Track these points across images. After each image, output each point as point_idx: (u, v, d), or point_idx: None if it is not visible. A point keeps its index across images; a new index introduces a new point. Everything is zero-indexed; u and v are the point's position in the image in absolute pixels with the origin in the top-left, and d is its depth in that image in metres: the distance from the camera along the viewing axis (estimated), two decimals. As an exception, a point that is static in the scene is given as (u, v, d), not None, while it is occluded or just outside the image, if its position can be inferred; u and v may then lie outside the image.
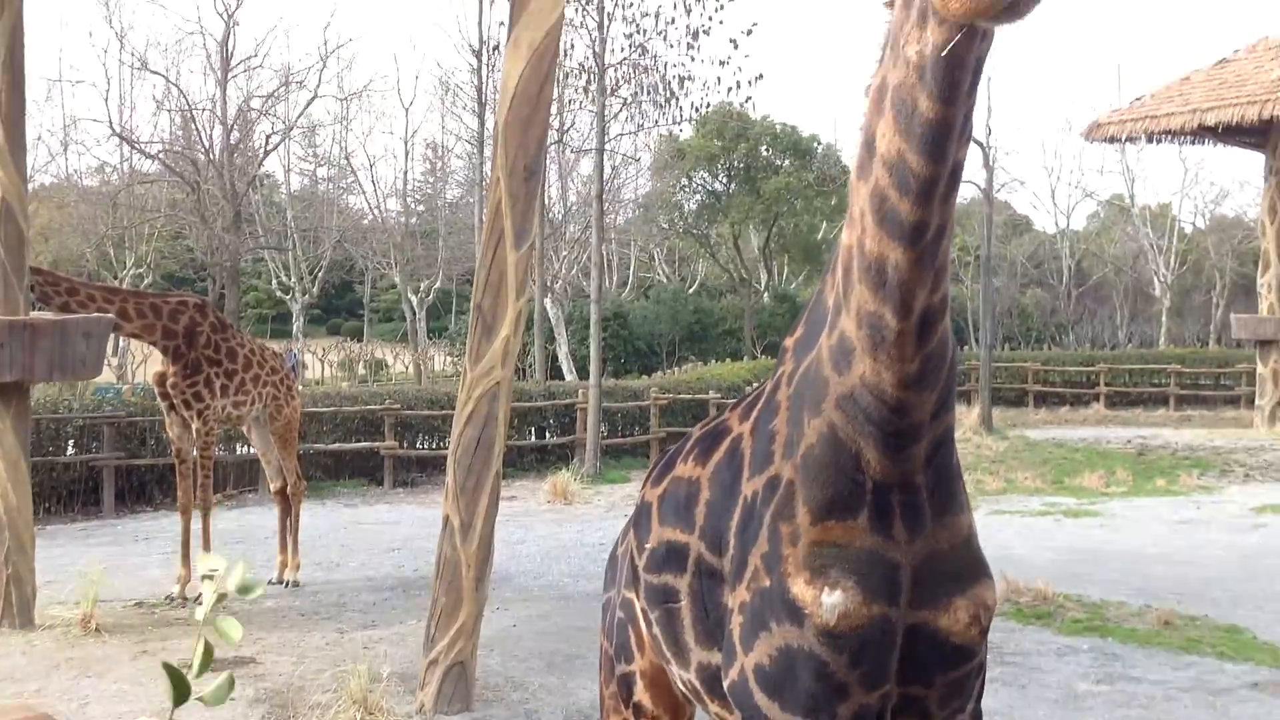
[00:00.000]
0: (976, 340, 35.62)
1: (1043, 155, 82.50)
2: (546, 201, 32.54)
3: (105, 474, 16.73)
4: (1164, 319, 51.90)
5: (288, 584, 11.56)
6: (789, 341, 3.01)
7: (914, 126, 2.37)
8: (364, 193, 52.28)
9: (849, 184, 2.61)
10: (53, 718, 2.26)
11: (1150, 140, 29.17)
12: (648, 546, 3.38)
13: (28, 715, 2.27)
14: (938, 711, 2.81)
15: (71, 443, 17.08)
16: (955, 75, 2.31)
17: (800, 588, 2.66)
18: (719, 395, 23.68)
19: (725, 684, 2.89)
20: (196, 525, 11.16)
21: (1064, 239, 57.79)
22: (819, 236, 49.46)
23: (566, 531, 14.94)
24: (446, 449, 8.42)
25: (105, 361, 13.06)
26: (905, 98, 2.38)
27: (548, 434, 22.43)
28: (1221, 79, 26.75)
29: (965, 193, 40.63)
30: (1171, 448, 23.73)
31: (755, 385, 3.74)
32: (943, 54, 2.28)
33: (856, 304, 2.55)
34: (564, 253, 37.39)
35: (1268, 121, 25.23)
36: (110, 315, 10.36)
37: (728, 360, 35.42)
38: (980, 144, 29.38)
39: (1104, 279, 57.54)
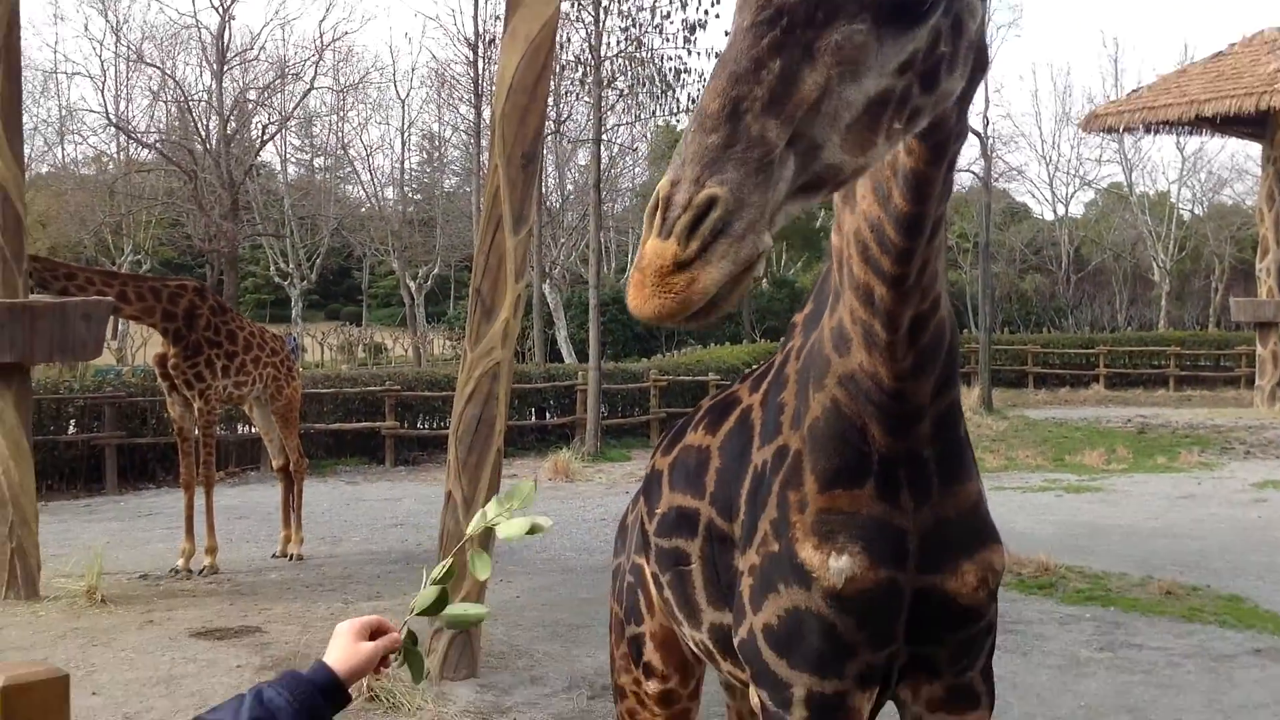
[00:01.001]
0: (976, 324, 35.60)
1: (1040, 145, 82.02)
2: (544, 190, 32.50)
3: (107, 452, 16.80)
4: (1163, 303, 51.89)
5: (291, 558, 11.62)
6: (798, 317, 3.02)
7: (890, 209, 2.37)
8: (361, 182, 52.03)
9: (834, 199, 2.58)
10: (67, 674, 2.28)
11: (1148, 131, 29.35)
12: (658, 512, 3.39)
13: (43, 671, 2.29)
14: (947, 669, 2.83)
15: (73, 422, 17.14)
16: (925, 189, 2.33)
17: (808, 553, 2.68)
18: (718, 377, 23.72)
19: (735, 642, 2.91)
20: (200, 501, 11.19)
21: (1062, 226, 57.59)
22: (817, 225, 49.47)
23: (568, 508, 14.95)
24: (446, 429, 8.43)
25: (105, 344, 13.07)
26: (880, 181, 2.37)
27: (548, 414, 22.49)
28: (1219, 71, 26.85)
29: (964, 181, 40.57)
30: (1172, 426, 23.79)
31: (754, 366, 3.76)
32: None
33: (849, 307, 2.55)
34: (562, 240, 37.35)
35: (1265, 112, 25.38)
36: (109, 298, 10.35)
37: (727, 344, 35.43)
38: (978, 134, 29.38)
39: (1103, 265, 57.36)
